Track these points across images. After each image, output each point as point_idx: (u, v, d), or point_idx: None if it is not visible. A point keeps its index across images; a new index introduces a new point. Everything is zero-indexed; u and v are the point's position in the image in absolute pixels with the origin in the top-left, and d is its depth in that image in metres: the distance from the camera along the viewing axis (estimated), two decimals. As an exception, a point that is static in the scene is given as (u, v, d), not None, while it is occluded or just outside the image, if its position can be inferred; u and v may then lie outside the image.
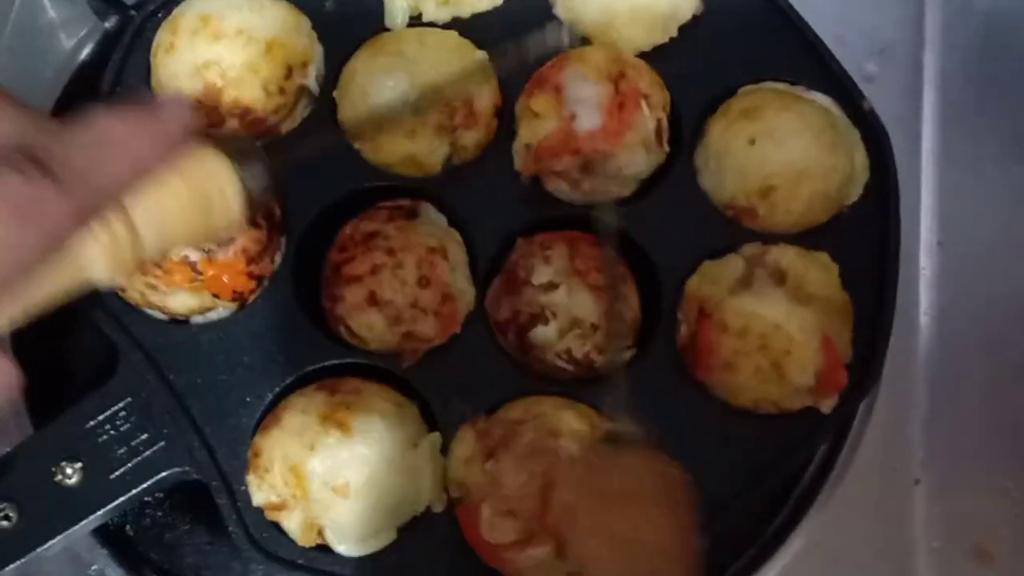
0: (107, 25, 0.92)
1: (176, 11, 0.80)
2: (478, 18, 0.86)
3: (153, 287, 0.74)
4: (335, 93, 0.82)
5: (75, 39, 0.93)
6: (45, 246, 0.42)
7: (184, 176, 0.48)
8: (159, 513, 0.84)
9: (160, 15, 0.82)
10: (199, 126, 0.50)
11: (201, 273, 0.74)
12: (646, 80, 0.81)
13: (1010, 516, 0.86)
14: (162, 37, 0.80)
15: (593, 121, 0.79)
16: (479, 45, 0.84)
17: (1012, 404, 0.89)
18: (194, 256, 0.73)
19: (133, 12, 0.89)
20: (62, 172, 0.41)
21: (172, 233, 0.49)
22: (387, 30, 0.85)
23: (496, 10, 0.86)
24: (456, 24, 0.85)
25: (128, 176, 0.45)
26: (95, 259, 0.46)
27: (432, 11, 0.85)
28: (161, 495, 0.83)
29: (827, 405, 0.76)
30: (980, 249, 0.94)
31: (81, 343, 0.85)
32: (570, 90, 0.79)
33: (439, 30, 0.84)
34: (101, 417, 0.74)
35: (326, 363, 0.77)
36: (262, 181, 0.53)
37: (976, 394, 0.90)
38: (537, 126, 0.79)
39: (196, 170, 0.49)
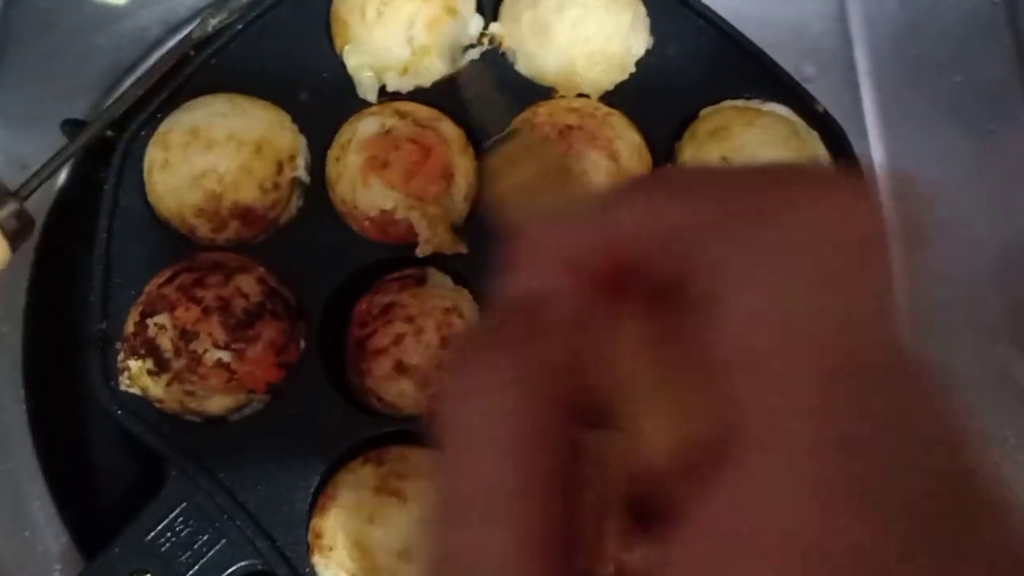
0: (76, 149, 0.94)
1: (162, 128, 0.82)
2: (441, 85, 0.89)
3: (191, 393, 0.77)
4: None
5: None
6: None
7: None
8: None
9: (143, 133, 0.84)
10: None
11: (235, 372, 0.76)
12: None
13: (1010, 464, 0.90)
14: (154, 154, 0.82)
15: None
16: (446, 112, 0.87)
17: (996, 361, 0.95)
18: (226, 358, 0.76)
19: (109, 132, 0.91)
20: None
21: None
22: (361, 108, 0.87)
23: (458, 75, 0.88)
24: (419, 93, 0.88)
25: None
26: None
27: (395, 81, 0.88)
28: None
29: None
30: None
31: (116, 463, 0.87)
32: None
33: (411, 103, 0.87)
34: (160, 527, 0.75)
35: (365, 436, 0.80)
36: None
37: (957, 356, 0.94)
38: None
39: None
